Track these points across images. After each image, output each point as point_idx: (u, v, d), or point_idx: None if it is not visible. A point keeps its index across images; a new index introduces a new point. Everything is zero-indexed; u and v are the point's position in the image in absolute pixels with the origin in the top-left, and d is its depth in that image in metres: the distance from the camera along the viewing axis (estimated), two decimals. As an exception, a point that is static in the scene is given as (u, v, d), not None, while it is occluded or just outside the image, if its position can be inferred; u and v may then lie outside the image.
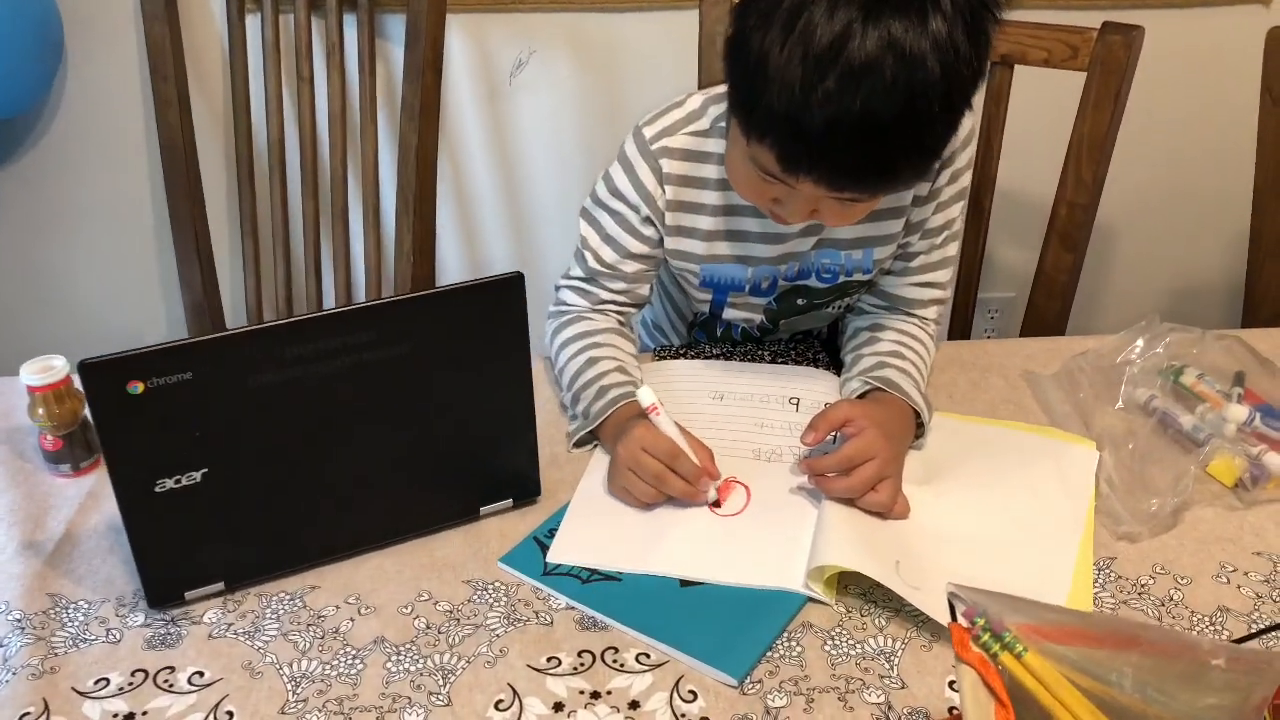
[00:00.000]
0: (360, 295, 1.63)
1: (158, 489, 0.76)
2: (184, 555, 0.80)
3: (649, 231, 1.03)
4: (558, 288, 1.10)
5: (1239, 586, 0.83)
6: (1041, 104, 1.37)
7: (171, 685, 0.75)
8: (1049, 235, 1.31)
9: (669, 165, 1.00)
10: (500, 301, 0.82)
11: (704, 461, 0.90)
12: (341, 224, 1.54)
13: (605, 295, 1.07)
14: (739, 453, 0.96)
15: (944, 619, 0.77)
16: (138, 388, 0.72)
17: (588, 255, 1.06)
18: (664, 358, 1.13)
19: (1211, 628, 0.79)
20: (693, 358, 1.12)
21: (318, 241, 1.56)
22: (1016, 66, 1.27)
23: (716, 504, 0.90)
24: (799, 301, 1.09)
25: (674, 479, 0.88)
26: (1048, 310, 1.33)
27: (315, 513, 0.83)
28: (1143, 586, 0.83)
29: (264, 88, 1.51)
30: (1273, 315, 1.30)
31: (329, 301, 1.63)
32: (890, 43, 0.75)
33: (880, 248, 1.03)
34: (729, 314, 1.12)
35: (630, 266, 1.05)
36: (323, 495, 0.83)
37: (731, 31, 0.84)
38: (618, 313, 1.08)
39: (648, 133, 1.00)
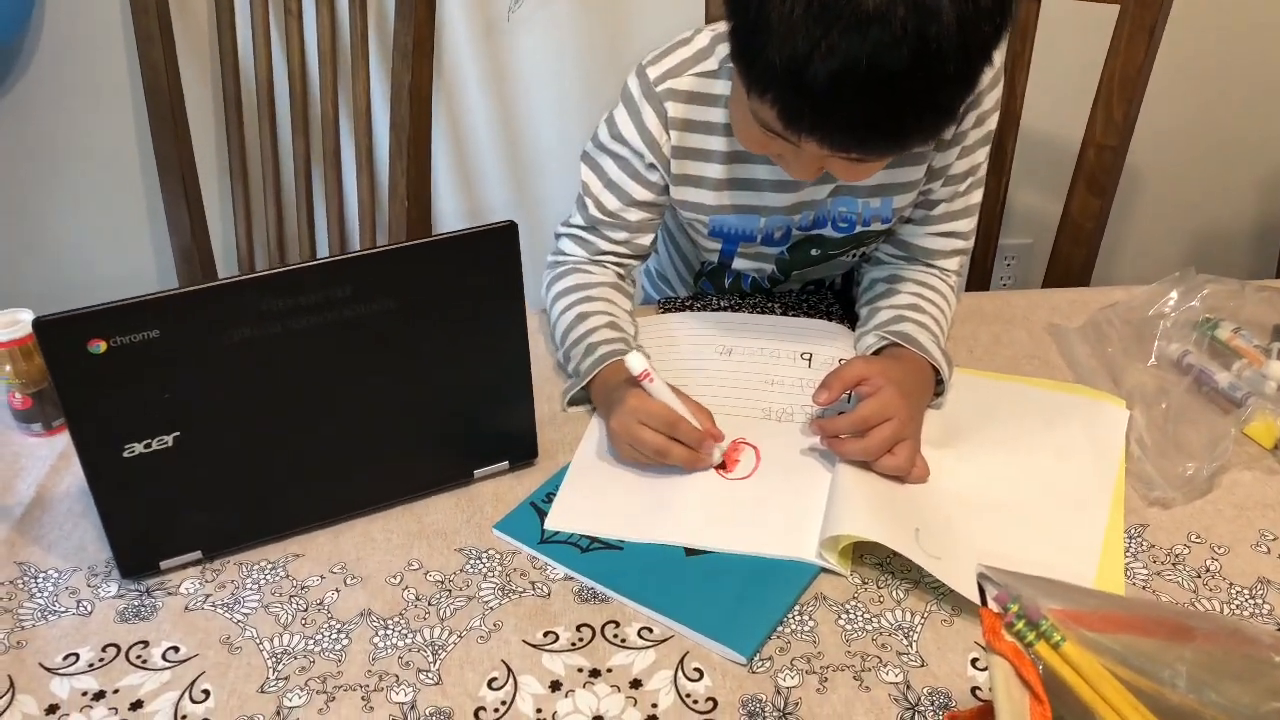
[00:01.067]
0: (354, 239, 1.57)
1: (126, 454, 0.71)
2: (158, 523, 0.76)
3: (654, 177, 0.97)
4: (557, 235, 1.04)
5: None
6: (1070, 39, 1.29)
7: (145, 661, 0.71)
8: (1075, 179, 1.24)
9: (674, 109, 0.93)
10: (493, 252, 0.76)
11: (705, 424, 0.85)
12: (334, 166, 1.48)
13: (605, 245, 1.01)
14: (748, 412, 0.91)
15: (967, 590, 0.73)
16: (100, 347, 0.67)
17: (589, 202, 0.99)
18: (669, 310, 1.07)
19: (1253, 601, 0.74)
20: (699, 310, 1.07)
21: (309, 184, 1.50)
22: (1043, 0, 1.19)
23: (723, 467, 0.85)
24: (813, 252, 1.03)
25: (677, 449, 0.83)
26: (1073, 259, 1.27)
27: (298, 477, 0.79)
28: (1177, 556, 0.78)
29: (250, 24, 1.44)
30: (1310, 264, 1.24)
31: (322, 245, 1.57)
32: None
33: (901, 195, 0.96)
34: (739, 264, 1.06)
35: (634, 215, 0.99)
36: (306, 459, 0.78)
37: None
38: (617, 264, 1.02)
39: (652, 73, 0.93)
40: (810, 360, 0.97)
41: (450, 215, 1.75)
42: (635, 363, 0.83)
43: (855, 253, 1.05)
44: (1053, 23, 1.22)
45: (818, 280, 1.12)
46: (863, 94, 0.71)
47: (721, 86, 0.92)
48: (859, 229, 0.99)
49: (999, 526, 0.80)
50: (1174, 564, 0.78)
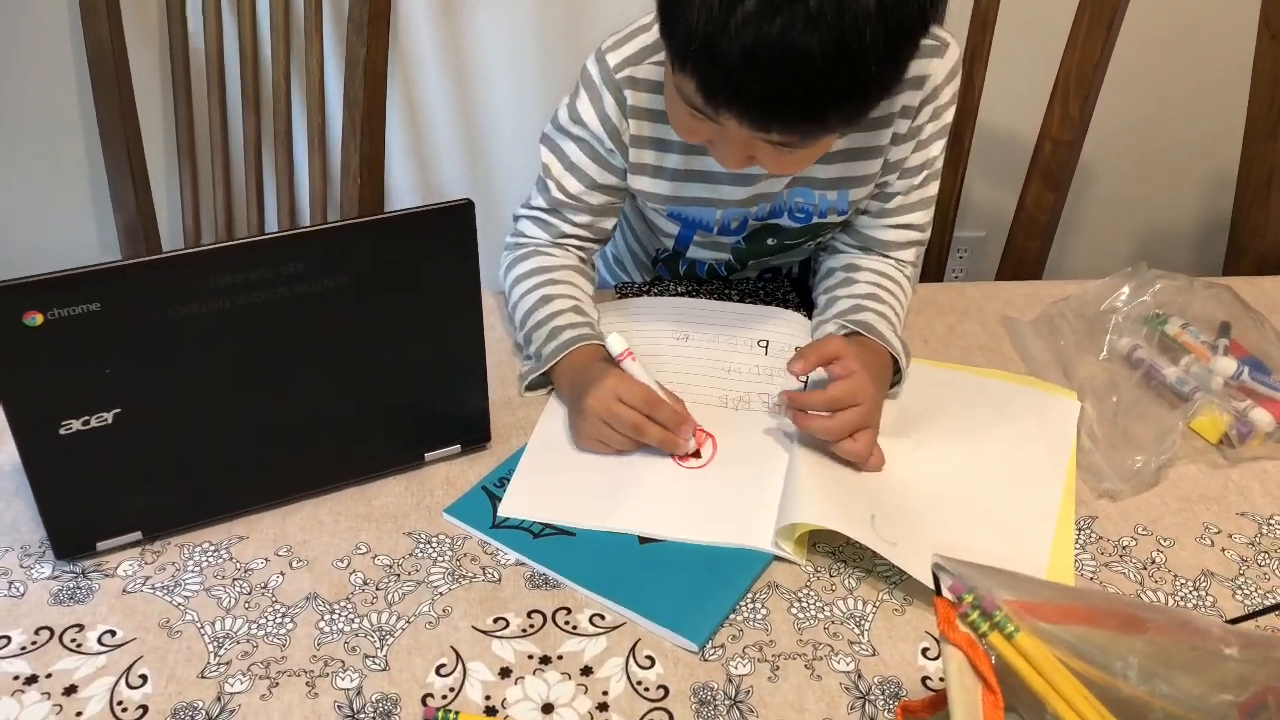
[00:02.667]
0: (305, 218, 1.54)
1: (63, 430, 0.68)
2: (95, 502, 0.73)
3: (616, 161, 0.96)
4: (516, 217, 1.02)
5: (1223, 549, 0.80)
6: (1029, 33, 1.30)
7: (80, 645, 0.69)
8: (1031, 173, 1.25)
9: (633, 97, 0.92)
10: (448, 231, 0.75)
11: (680, 410, 0.84)
12: (285, 143, 1.44)
13: (567, 229, 0.99)
14: (705, 399, 0.90)
15: (921, 575, 0.73)
16: (36, 319, 0.64)
17: (550, 184, 0.98)
18: (626, 295, 1.06)
19: (1196, 594, 0.76)
20: (656, 294, 1.06)
21: (259, 161, 1.46)
22: (1006, -8, 1.20)
23: (696, 454, 0.85)
24: (769, 241, 1.03)
25: (653, 427, 0.82)
26: (1027, 252, 1.28)
27: (243, 457, 0.77)
28: (1124, 548, 0.79)
29: (200, -7, 1.40)
30: (1257, 261, 1.26)
31: (271, 223, 1.54)
32: None
33: (857, 189, 0.96)
34: (694, 252, 1.06)
35: (596, 198, 0.98)
36: (251, 438, 0.76)
37: None
38: (578, 248, 1.01)
39: (612, 59, 0.92)
40: (767, 347, 0.97)
41: (404, 193, 1.72)
42: (616, 344, 0.83)
43: (811, 243, 1.05)
44: (1012, 16, 1.23)
45: (774, 268, 1.12)
46: (774, 70, 0.70)
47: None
48: (815, 220, 0.99)
49: (953, 515, 0.81)
50: (1121, 556, 0.79)
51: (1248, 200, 1.26)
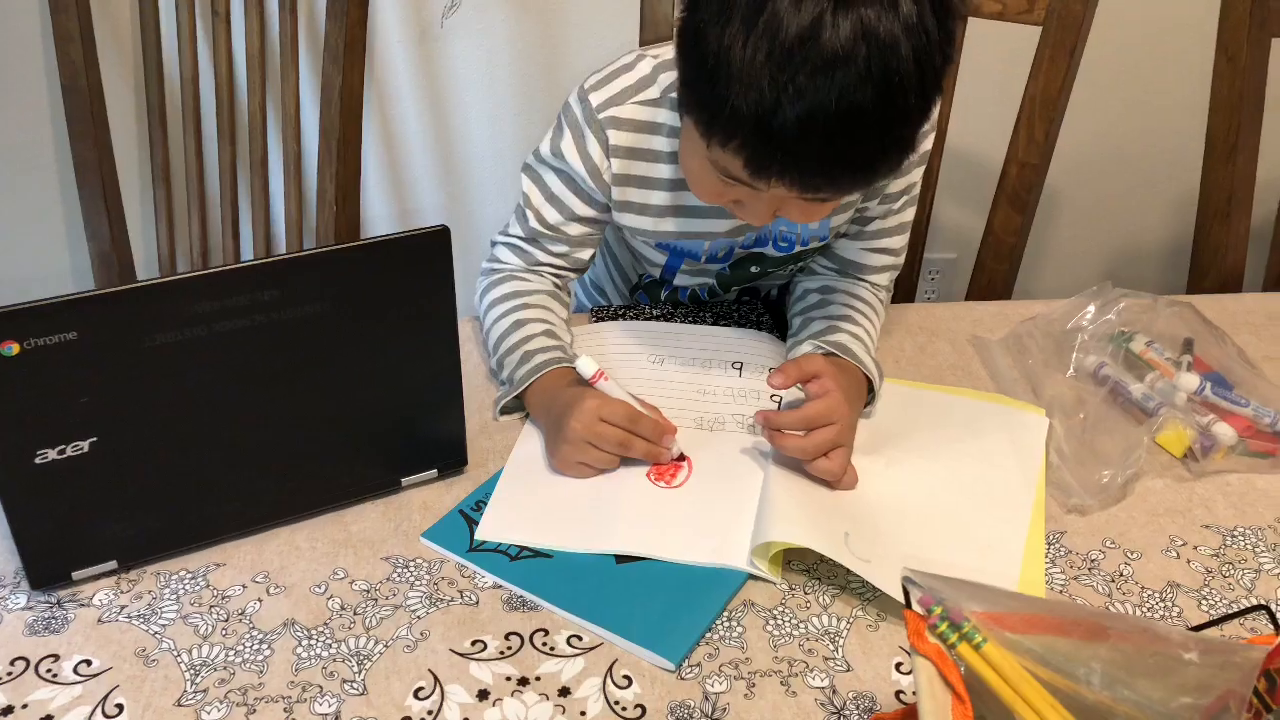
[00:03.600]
0: (280, 246, 1.54)
1: (39, 460, 0.69)
2: (70, 532, 0.73)
3: (598, 196, 0.97)
4: (493, 244, 1.03)
5: (1189, 561, 0.81)
6: (994, 60, 1.33)
7: (55, 675, 0.69)
8: (998, 196, 1.27)
9: (616, 137, 0.93)
10: (424, 257, 0.76)
11: (658, 419, 0.86)
12: (260, 171, 1.45)
13: (544, 258, 1.00)
14: (680, 421, 0.91)
15: (894, 592, 0.74)
16: (12, 348, 0.65)
17: (529, 214, 0.99)
18: (602, 319, 1.07)
19: (1163, 604, 0.77)
20: (631, 318, 1.07)
21: (235, 189, 1.47)
22: (970, 19, 1.22)
23: (681, 458, 0.86)
24: (753, 269, 1.05)
25: (638, 442, 0.84)
26: (995, 272, 1.30)
27: (219, 484, 0.77)
28: (1093, 562, 0.81)
29: (175, 23, 1.41)
30: (1219, 280, 1.29)
31: (247, 252, 1.54)
32: (865, 30, 0.69)
33: (838, 215, 0.98)
34: (680, 280, 1.07)
35: (574, 229, 0.99)
36: (228, 465, 0.76)
37: (682, 23, 0.77)
38: (555, 276, 1.02)
39: (594, 99, 0.93)
40: (741, 369, 0.98)
41: (380, 220, 1.73)
42: (586, 367, 0.84)
43: (793, 267, 1.07)
44: (977, 43, 1.26)
45: (753, 289, 1.13)
46: (832, 134, 0.71)
47: (664, 115, 0.92)
48: (798, 248, 1.01)
49: (926, 532, 0.82)
50: (1090, 569, 0.80)
51: (1208, 220, 1.28)
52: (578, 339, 1.00)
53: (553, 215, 0.98)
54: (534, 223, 0.98)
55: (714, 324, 1.06)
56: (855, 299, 1.00)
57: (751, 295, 1.14)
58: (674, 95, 0.89)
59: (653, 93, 0.92)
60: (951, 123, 1.28)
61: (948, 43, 0.74)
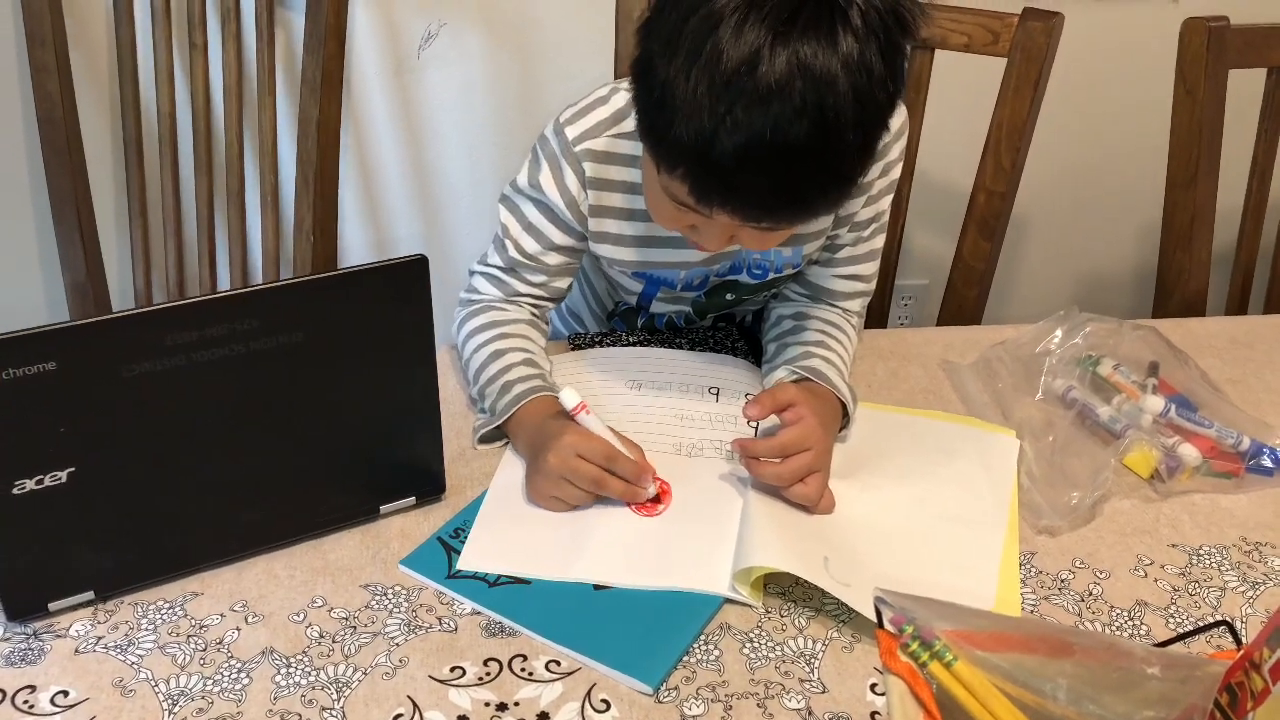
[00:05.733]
0: (258, 277, 1.54)
1: (16, 491, 0.69)
2: (47, 562, 0.73)
3: (576, 226, 0.98)
4: (472, 273, 1.04)
5: (1156, 580, 0.83)
6: (961, 90, 1.36)
7: (32, 706, 0.68)
8: (967, 223, 1.30)
9: (592, 169, 0.94)
10: (402, 286, 0.77)
11: (638, 457, 0.86)
12: (237, 202, 1.45)
13: (522, 288, 1.01)
14: (659, 447, 0.92)
15: (873, 615, 0.75)
16: (-10, 379, 0.65)
17: (508, 244, 1.00)
18: (579, 346, 1.08)
19: (1131, 623, 0.78)
20: (609, 345, 1.08)
21: (212, 221, 1.47)
22: (937, 50, 1.25)
23: (657, 500, 0.86)
24: (728, 296, 1.06)
25: (613, 481, 0.84)
26: (965, 298, 1.32)
27: (198, 513, 0.77)
28: (1063, 582, 0.82)
29: (153, 56, 1.41)
30: (1183, 304, 1.31)
31: (224, 283, 1.54)
32: (800, 64, 0.70)
33: (811, 243, 1.00)
34: (656, 307, 1.09)
35: (552, 259, 1.00)
36: (206, 494, 0.76)
37: (637, 54, 0.79)
38: (533, 305, 1.03)
39: (570, 132, 0.94)
40: (718, 395, 0.99)
41: (358, 251, 1.74)
42: (569, 399, 0.85)
43: (767, 294, 1.08)
44: (945, 74, 1.28)
45: (729, 315, 1.15)
46: (767, 166, 0.73)
47: (639, 148, 0.93)
48: (772, 275, 1.03)
49: (903, 552, 0.83)
50: (1060, 589, 0.81)
51: (1172, 246, 1.31)
52: (556, 366, 1.01)
53: (531, 245, 0.99)
54: (513, 252, 0.99)
55: (690, 350, 1.07)
56: (828, 324, 1.02)
57: (727, 321, 1.15)
58: None
59: (628, 125, 0.94)
60: (921, 151, 1.31)
61: (894, 79, 0.75)
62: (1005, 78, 1.22)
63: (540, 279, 1.01)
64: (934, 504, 0.88)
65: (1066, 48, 1.21)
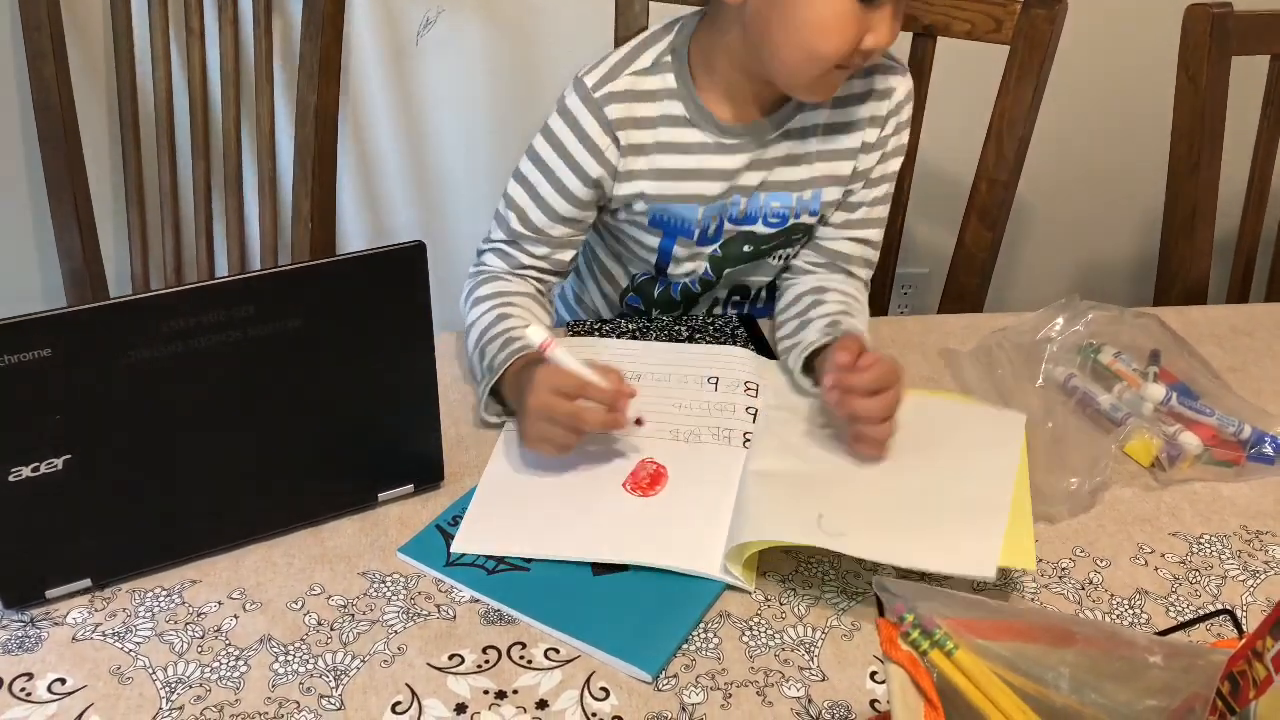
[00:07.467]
0: (256, 263, 1.54)
1: (12, 478, 0.68)
2: (44, 549, 0.73)
3: (584, 193, 1.00)
4: (480, 251, 1.06)
5: (1156, 569, 0.83)
6: (963, 78, 1.35)
7: (29, 694, 0.68)
8: (968, 212, 1.29)
9: (615, 110, 0.97)
10: (400, 273, 0.76)
11: (615, 383, 0.85)
12: (235, 189, 1.45)
13: (526, 260, 1.03)
14: (657, 434, 0.92)
15: (870, 555, 0.75)
16: (-14, 365, 0.65)
17: (511, 216, 1.01)
18: (577, 333, 1.08)
19: (1131, 611, 0.78)
20: (607, 332, 1.08)
21: (209, 208, 1.47)
22: (939, 38, 1.24)
23: (639, 422, 0.86)
24: (745, 248, 1.08)
25: (590, 412, 0.83)
26: (967, 287, 1.32)
27: (195, 501, 0.77)
28: (1064, 570, 0.82)
29: (149, 42, 1.41)
30: (1184, 292, 1.31)
31: (221, 269, 1.54)
32: None
33: (829, 189, 1.04)
34: (673, 270, 1.09)
35: (557, 230, 1.01)
36: (204, 482, 0.76)
37: None
38: (537, 279, 1.04)
39: (590, 80, 0.97)
40: (716, 384, 0.99)
41: (356, 238, 1.73)
42: (535, 334, 0.84)
43: (782, 253, 1.10)
44: (947, 62, 1.28)
45: (744, 287, 1.15)
46: None
47: (657, 82, 0.98)
48: (791, 222, 1.05)
49: (905, 500, 0.82)
50: (1060, 577, 0.81)
51: (1173, 234, 1.31)
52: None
53: (537, 216, 1.01)
54: (516, 225, 1.01)
55: (689, 339, 1.07)
56: (846, 295, 1.04)
57: (741, 296, 1.15)
58: (667, 59, 0.98)
59: (644, 62, 0.98)
60: (923, 140, 1.30)
61: None
62: (1008, 65, 1.21)
63: (543, 250, 1.02)
64: (938, 464, 0.87)
65: (1069, 34, 1.20)
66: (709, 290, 1.13)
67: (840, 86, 0.97)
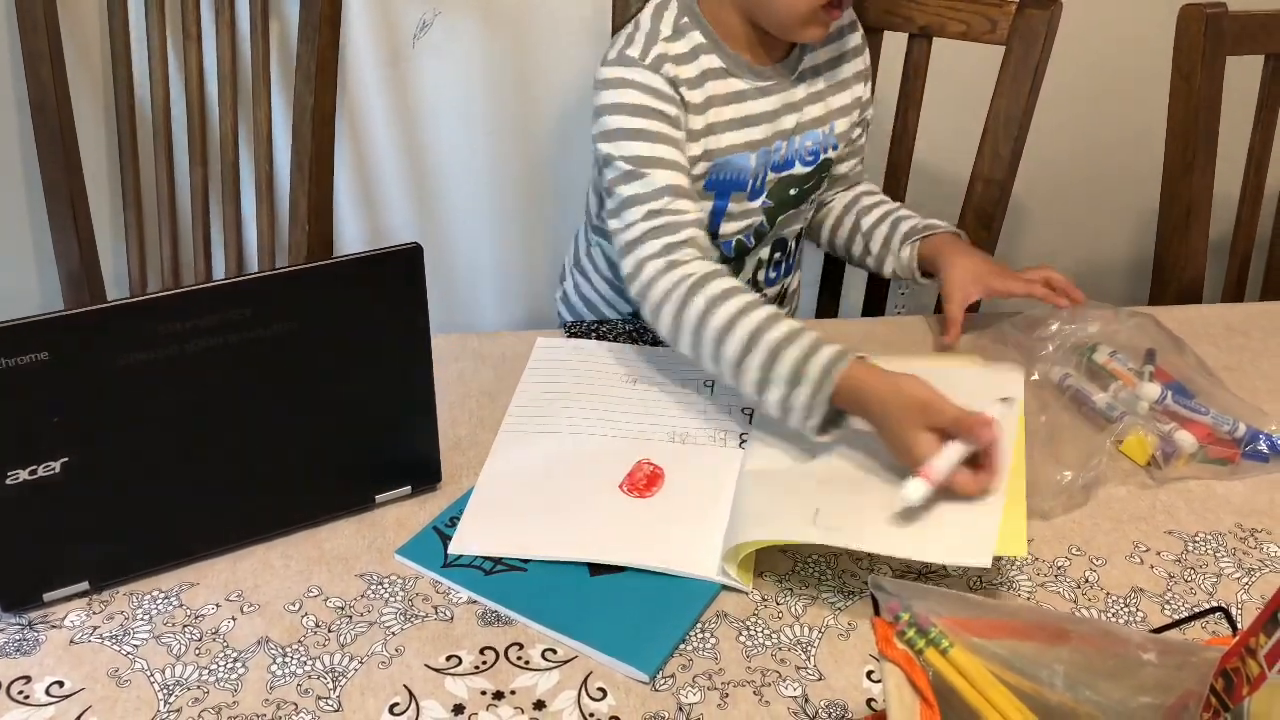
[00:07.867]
0: (253, 266, 1.54)
1: (9, 481, 0.68)
2: (41, 553, 0.73)
3: (682, 139, 1.02)
4: (622, 253, 0.96)
5: (1152, 567, 0.83)
6: (959, 78, 1.35)
7: (27, 697, 0.68)
8: (964, 212, 1.29)
9: (670, 69, 1.01)
10: (397, 275, 0.76)
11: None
12: (232, 192, 1.45)
13: (684, 219, 0.94)
14: (656, 436, 0.92)
15: (867, 547, 0.75)
16: (-17, 369, 0.65)
17: (648, 174, 0.95)
18: (575, 335, 1.08)
19: (1127, 609, 0.78)
20: (604, 334, 1.08)
21: (206, 210, 1.47)
22: (934, 39, 1.25)
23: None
24: (791, 191, 1.13)
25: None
26: (962, 287, 1.32)
27: (193, 504, 0.77)
28: (1059, 569, 0.82)
29: (146, 44, 1.41)
30: (1180, 291, 1.31)
31: (219, 272, 1.53)
32: None
33: (840, 119, 1.13)
34: (726, 227, 1.11)
35: (684, 180, 0.98)
36: (201, 484, 0.76)
37: None
38: (702, 246, 0.95)
39: (632, 52, 1.00)
40: (713, 388, 0.99)
41: (353, 240, 1.73)
42: (914, 491, 0.77)
43: (816, 192, 1.18)
44: (943, 62, 1.28)
45: (780, 243, 1.19)
46: None
47: (682, 45, 1.02)
48: (822, 157, 1.14)
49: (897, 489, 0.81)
50: (1056, 576, 0.81)
51: (1169, 234, 1.31)
52: (552, 354, 1.01)
53: (666, 177, 0.96)
54: (657, 202, 0.94)
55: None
56: (870, 194, 1.21)
57: (780, 253, 1.20)
58: (685, 21, 1.03)
59: (665, 30, 1.02)
60: (918, 140, 1.30)
61: None
62: (1003, 66, 1.21)
63: (686, 204, 0.96)
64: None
65: (1064, 35, 1.21)
66: (760, 244, 1.16)
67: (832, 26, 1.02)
